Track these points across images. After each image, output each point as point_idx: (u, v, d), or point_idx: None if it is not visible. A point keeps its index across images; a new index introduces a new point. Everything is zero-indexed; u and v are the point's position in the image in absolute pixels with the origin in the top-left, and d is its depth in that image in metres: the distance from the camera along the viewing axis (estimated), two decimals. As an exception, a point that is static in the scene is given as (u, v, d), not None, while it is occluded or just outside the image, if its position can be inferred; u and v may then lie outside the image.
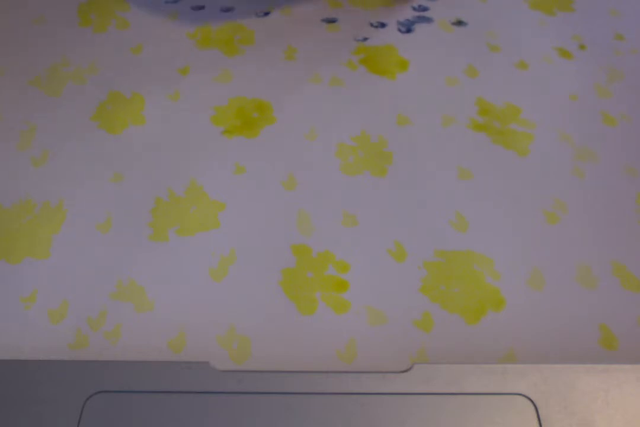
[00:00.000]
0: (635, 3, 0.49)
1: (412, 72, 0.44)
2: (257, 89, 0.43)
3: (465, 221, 0.36)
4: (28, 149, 0.40)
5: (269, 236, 0.36)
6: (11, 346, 0.32)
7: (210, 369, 0.28)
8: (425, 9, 0.49)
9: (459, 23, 0.48)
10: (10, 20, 0.48)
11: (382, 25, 0.48)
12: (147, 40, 0.46)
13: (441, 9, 0.49)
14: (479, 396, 0.27)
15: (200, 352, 0.31)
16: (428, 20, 0.48)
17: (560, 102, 0.43)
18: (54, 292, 0.34)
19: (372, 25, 0.48)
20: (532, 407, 0.27)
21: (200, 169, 0.39)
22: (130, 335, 0.32)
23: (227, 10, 0.49)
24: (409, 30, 0.47)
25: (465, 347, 0.32)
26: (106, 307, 0.33)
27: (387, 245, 0.35)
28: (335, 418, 0.26)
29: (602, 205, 0.37)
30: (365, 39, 0.47)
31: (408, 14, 0.48)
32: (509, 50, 0.46)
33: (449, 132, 0.41)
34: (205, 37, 0.47)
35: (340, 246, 0.35)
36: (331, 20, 0.48)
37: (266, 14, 0.49)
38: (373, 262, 0.35)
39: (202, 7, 0.49)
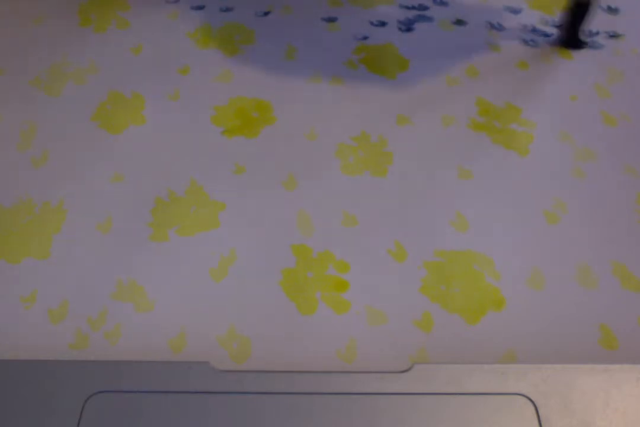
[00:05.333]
0: (635, 3, 0.49)
1: (412, 71, 0.44)
2: (257, 89, 0.43)
3: (465, 220, 0.36)
4: (28, 149, 0.40)
5: (269, 236, 0.36)
6: (11, 346, 0.32)
7: (210, 369, 0.28)
8: (425, 8, 0.49)
9: (459, 22, 0.48)
10: (10, 20, 0.48)
11: (383, 24, 0.48)
12: (147, 40, 0.47)
13: (441, 8, 0.49)
14: (479, 396, 0.27)
15: (200, 352, 0.31)
16: (428, 19, 0.48)
17: (560, 102, 0.43)
18: (54, 292, 0.34)
19: (372, 24, 0.48)
20: (532, 407, 0.27)
21: (200, 169, 0.39)
22: (130, 335, 0.32)
23: (227, 10, 0.49)
24: (409, 29, 0.47)
25: (465, 347, 0.32)
26: (106, 307, 0.33)
27: (387, 245, 0.35)
28: (336, 418, 0.26)
29: (602, 206, 0.37)
30: (365, 37, 0.47)
31: (408, 12, 0.48)
32: (509, 50, 0.46)
33: (449, 132, 0.41)
34: (205, 37, 0.47)
35: (340, 246, 0.35)
36: (331, 19, 0.48)
37: (266, 13, 0.49)
38: (373, 262, 0.35)
39: (202, 7, 0.49)
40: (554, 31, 0.47)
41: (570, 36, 0.45)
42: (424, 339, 0.32)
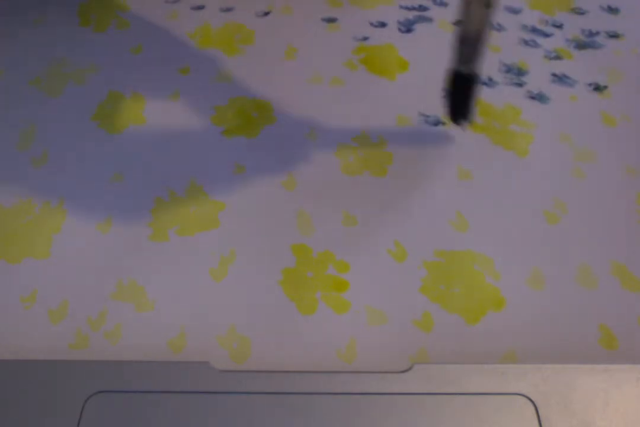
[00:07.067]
0: (635, 3, 0.49)
1: (412, 72, 0.44)
2: (257, 89, 0.43)
3: (465, 220, 0.36)
4: (28, 149, 0.40)
5: (269, 236, 0.36)
6: (11, 346, 0.32)
7: (210, 369, 0.28)
8: (425, 8, 0.49)
9: (459, 23, 0.48)
10: (10, 21, 0.48)
11: (382, 24, 0.48)
12: (147, 40, 0.46)
13: (441, 8, 0.49)
14: (479, 396, 0.27)
15: (200, 352, 0.31)
16: (428, 20, 0.48)
17: (560, 102, 0.43)
18: (54, 292, 0.34)
19: (372, 24, 0.48)
20: (532, 407, 0.27)
21: (200, 169, 0.39)
22: (130, 335, 0.32)
23: (227, 10, 0.49)
24: (409, 30, 0.47)
25: (465, 347, 0.32)
26: (106, 307, 0.33)
27: (387, 245, 0.35)
28: (336, 418, 0.26)
29: (602, 206, 0.37)
30: (365, 38, 0.46)
31: (408, 13, 0.48)
32: (508, 50, 0.46)
33: (449, 132, 0.41)
34: (205, 37, 0.47)
35: (340, 246, 0.35)
36: (331, 20, 0.48)
37: (266, 13, 0.49)
38: (373, 262, 0.35)
39: (202, 7, 0.49)
40: (554, 31, 0.47)
41: (451, 109, 0.37)
42: (424, 339, 0.32)
